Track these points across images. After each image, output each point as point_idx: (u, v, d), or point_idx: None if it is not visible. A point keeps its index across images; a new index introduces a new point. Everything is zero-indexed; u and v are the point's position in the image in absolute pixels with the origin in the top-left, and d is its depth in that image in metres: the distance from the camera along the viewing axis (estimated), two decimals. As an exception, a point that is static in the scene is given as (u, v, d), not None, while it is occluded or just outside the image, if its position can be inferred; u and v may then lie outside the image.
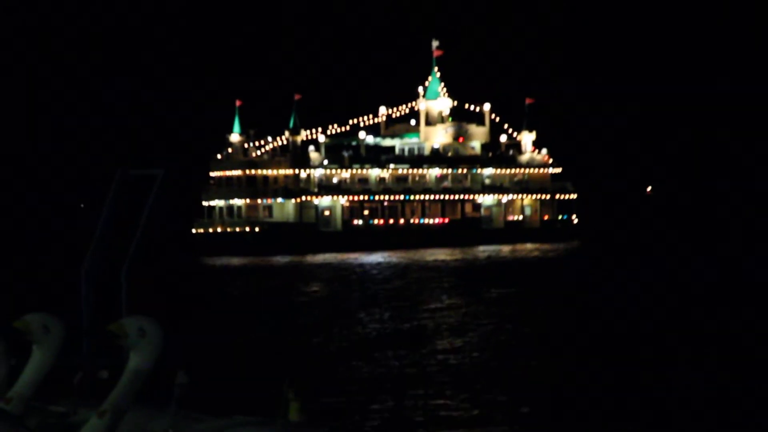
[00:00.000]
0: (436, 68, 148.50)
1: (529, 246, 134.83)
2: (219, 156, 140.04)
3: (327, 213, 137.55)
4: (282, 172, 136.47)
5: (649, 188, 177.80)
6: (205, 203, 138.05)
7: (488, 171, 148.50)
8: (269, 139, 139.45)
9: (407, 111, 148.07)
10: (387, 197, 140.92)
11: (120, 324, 11.44)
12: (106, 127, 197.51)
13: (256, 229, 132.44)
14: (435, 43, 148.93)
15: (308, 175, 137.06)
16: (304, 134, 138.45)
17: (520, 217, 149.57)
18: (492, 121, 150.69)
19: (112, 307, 14.52)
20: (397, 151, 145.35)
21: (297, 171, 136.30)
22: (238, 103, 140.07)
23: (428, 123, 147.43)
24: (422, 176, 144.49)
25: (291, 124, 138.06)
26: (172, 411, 11.32)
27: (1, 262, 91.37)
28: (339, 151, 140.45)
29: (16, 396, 11.86)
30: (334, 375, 33.11)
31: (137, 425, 11.71)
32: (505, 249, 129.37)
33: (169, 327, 11.62)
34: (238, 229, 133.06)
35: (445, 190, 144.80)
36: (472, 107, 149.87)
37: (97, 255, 15.58)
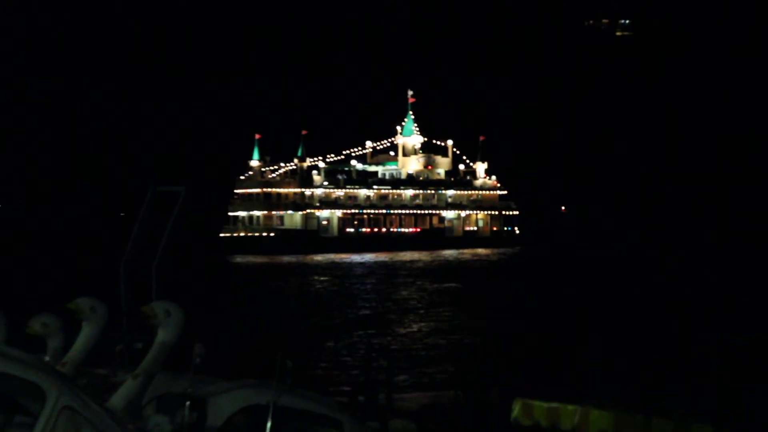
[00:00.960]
0: (410, 112, 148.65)
1: (481, 250, 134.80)
2: (242, 177, 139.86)
3: (326, 222, 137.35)
4: (291, 190, 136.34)
5: (563, 207, 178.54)
6: (231, 213, 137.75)
7: (450, 192, 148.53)
8: (281, 164, 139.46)
9: (388, 144, 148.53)
10: (372, 211, 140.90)
11: (151, 307, 11.36)
12: (145, 152, 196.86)
13: (271, 234, 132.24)
14: (410, 92, 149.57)
15: (312, 193, 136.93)
16: (308, 161, 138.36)
17: (475, 228, 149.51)
18: (454, 153, 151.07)
19: (145, 294, 14.43)
20: (380, 175, 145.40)
21: (303, 190, 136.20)
22: (257, 136, 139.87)
23: (404, 154, 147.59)
24: (399, 195, 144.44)
25: (299, 153, 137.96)
26: (190, 375, 11.23)
27: (57, 259, 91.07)
28: (335, 175, 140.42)
29: (69, 361, 11.80)
30: (322, 347, 32.96)
31: (163, 386, 11.63)
32: (463, 252, 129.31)
33: (190, 309, 11.56)
34: (256, 234, 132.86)
35: (417, 207, 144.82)
36: (438, 142, 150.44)
37: (133, 253, 15.50)
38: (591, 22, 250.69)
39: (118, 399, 10.97)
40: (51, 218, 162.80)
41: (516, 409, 8.97)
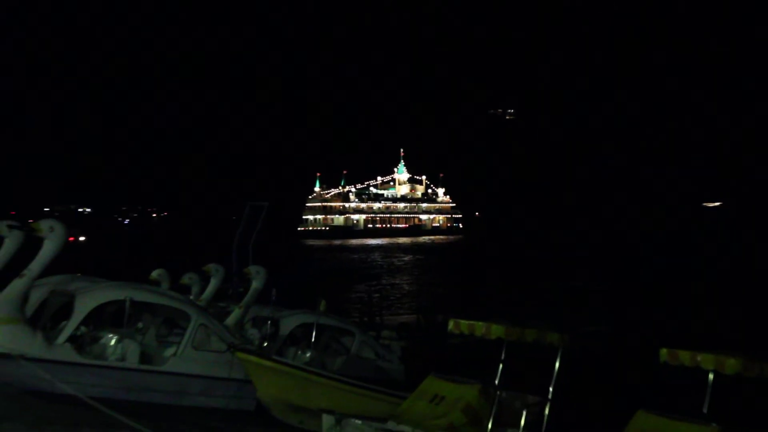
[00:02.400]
0: (402, 160, 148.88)
1: (441, 237, 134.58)
2: (310, 197, 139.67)
3: (356, 222, 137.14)
4: (338, 204, 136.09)
5: (477, 213, 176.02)
6: (304, 217, 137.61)
7: (425, 205, 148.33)
8: (332, 189, 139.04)
9: (390, 178, 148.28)
10: (381, 215, 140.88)
11: (248, 269, 11.23)
12: (253, 183, 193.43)
13: (326, 228, 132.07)
14: (401, 149, 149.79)
15: (349, 206, 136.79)
16: (347, 188, 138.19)
17: (438, 224, 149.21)
18: (426, 183, 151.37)
19: (245, 261, 14.27)
20: (386, 195, 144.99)
21: (344, 203, 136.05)
22: (318, 173, 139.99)
23: (399, 183, 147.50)
24: (396, 207, 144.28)
25: (342, 183, 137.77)
26: (270, 306, 11.10)
27: (196, 249, 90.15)
28: (362, 195, 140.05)
29: (204, 299, 11.68)
30: (347, 290, 32.49)
31: (255, 312, 11.50)
32: (431, 238, 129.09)
33: (272, 270, 11.38)
34: (318, 228, 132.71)
35: (406, 213, 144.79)
36: (417, 177, 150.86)
37: (239, 238, 15.33)
38: (491, 110, 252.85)
39: (230, 320, 10.86)
40: (203, 218, 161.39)
41: (450, 325, 8.78)
